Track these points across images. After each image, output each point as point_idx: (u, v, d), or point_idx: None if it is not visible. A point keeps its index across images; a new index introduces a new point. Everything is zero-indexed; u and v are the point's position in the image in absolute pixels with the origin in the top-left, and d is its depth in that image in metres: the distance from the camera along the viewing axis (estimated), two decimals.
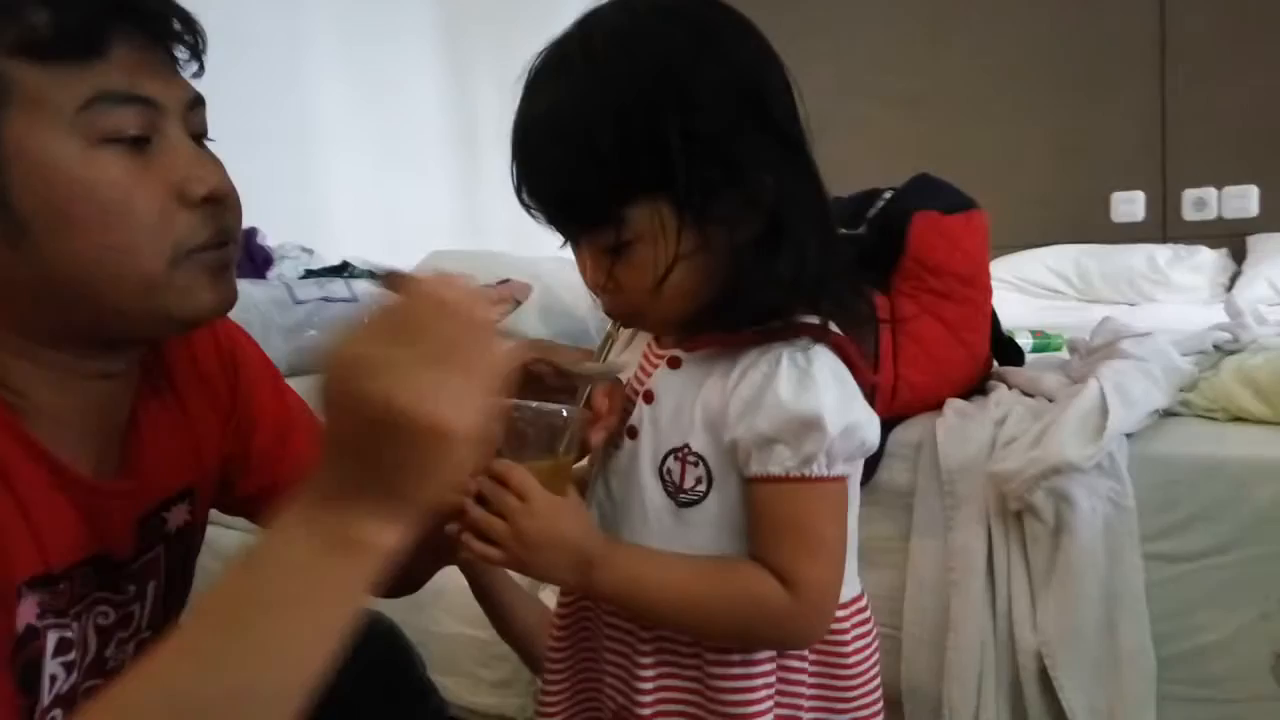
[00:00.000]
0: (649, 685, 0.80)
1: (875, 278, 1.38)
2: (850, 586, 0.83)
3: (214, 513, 1.09)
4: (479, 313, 0.57)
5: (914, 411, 1.38)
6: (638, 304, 0.78)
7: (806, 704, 0.80)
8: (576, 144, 0.72)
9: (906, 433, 1.36)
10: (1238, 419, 1.23)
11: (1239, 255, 2.96)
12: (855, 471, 0.80)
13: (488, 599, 1.16)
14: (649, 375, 0.84)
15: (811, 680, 0.81)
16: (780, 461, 0.73)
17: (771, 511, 0.75)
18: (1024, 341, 2.04)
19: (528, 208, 0.78)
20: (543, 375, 0.84)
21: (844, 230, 1.40)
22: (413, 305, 0.57)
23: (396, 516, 0.58)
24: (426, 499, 0.59)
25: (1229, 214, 3.08)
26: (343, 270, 2.41)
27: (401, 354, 0.54)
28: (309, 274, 2.36)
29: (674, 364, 0.82)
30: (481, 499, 0.74)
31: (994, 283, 3.18)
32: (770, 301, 0.76)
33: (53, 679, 0.78)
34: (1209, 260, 2.87)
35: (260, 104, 2.90)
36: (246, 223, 2.63)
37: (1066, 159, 3.32)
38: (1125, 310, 2.66)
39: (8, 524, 0.73)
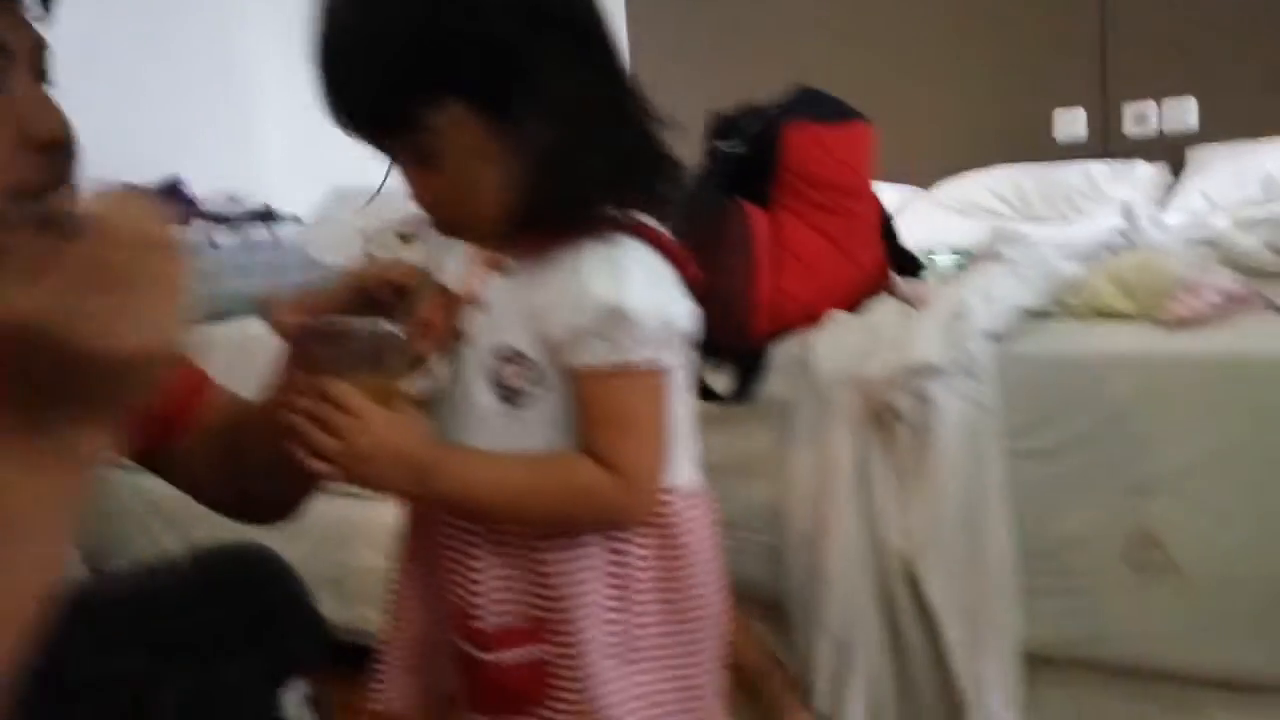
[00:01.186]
0: (481, 577, 0.82)
1: (754, 192, 1.38)
2: (685, 476, 0.85)
3: None
4: (145, 229, 0.56)
5: (798, 326, 1.38)
6: (456, 214, 0.79)
7: (644, 587, 0.82)
8: (370, 56, 0.73)
9: (789, 346, 1.36)
10: (1109, 317, 1.24)
11: (1179, 169, 2.94)
12: (676, 360, 0.81)
13: None
14: (476, 281, 0.85)
15: (647, 565, 0.82)
16: (595, 353, 0.76)
17: (591, 402, 0.78)
18: (946, 260, 2.04)
19: (341, 127, 0.78)
20: (378, 293, 0.86)
21: (721, 145, 1.39)
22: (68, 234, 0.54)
23: (65, 448, 0.56)
24: (96, 423, 0.57)
25: (1169, 127, 3.06)
26: (266, 216, 2.40)
27: (44, 283, 0.53)
28: (232, 221, 2.34)
29: (499, 269, 0.84)
30: (315, 418, 0.76)
31: (935, 207, 3.18)
32: (581, 199, 0.77)
33: None
34: (1146, 175, 2.85)
35: (190, 50, 2.86)
36: (172, 170, 2.59)
37: (1007, 78, 3.29)
38: (1062, 226, 2.65)
39: None
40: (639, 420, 0.78)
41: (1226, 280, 1.14)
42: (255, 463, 0.93)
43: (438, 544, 0.85)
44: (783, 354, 1.36)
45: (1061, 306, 1.28)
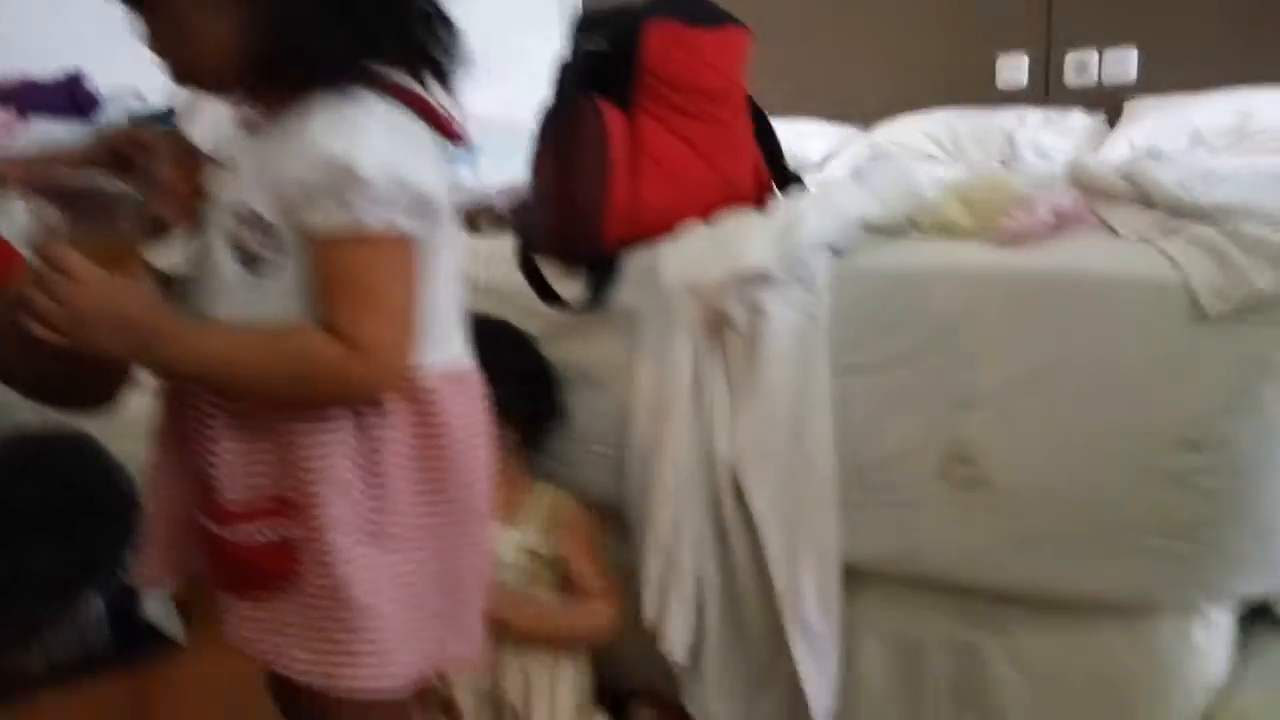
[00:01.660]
0: (222, 449, 0.80)
1: (615, 93, 1.34)
2: (448, 354, 0.83)
3: None
4: None
5: (655, 234, 1.35)
6: (185, 62, 0.78)
7: (396, 468, 0.79)
8: None
9: (641, 256, 1.33)
10: (954, 236, 1.21)
11: (1116, 120, 2.91)
12: (425, 228, 0.77)
13: None
14: (223, 140, 0.82)
15: (400, 445, 0.80)
16: (327, 214, 0.73)
17: (324, 267, 0.74)
18: None
19: None
20: (126, 152, 0.83)
21: (582, 41, 1.35)
22: None
23: None
24: None
25: (1108, 78, 3.02)
26: (166, 117, 2.33)
27: None
28: (132, 120, 2.28)
29: (245, 126, 0.81)
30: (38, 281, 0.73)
31: (867, 148, 3.13)
32: (314, 52, 0.75)
33: None
34: (1079, 124, 2.82)
35: None
36: (78, 64, 2.52)
37: (952, 21, 3.24)
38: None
39: None
40: (376, 289, 0.74)
41: (1063, 198, 1.12)
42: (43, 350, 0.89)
43: (186, 416, 0.83)
44: (635, 263, 1.33)
45: (914, 226, 1.26)
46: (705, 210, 1.37)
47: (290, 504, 0.79)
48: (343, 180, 0.71)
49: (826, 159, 3.01)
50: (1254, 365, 0.96)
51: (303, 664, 0.80)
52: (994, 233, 1.12)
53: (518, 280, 1.37)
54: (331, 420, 0.78)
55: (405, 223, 0.74)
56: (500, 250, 1.44)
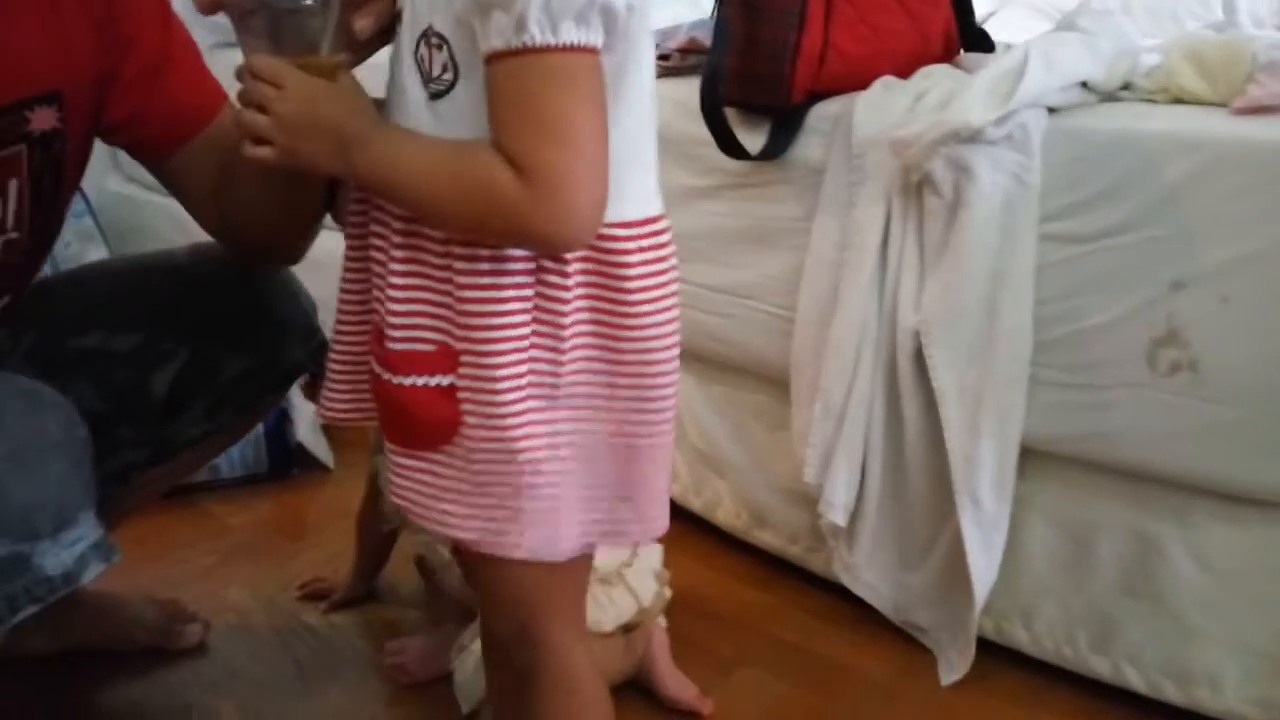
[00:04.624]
0: (399, 295, 0.75)
1: None
2: (640, 205, 0.75)
3: None
4: None
5: (846, 88, 1.28)
6: None
7: (569, 321, 0.74)
8: None
9: (829, 107, 1.27)
10: (1184, 103, 1.12)
11: None
12: (613, 40, 0.67)
13: None
14: None
15: (578, 298, 0.74)
16: (500, 32, 0.65)
17: (498, 90, 0.67)
18: None
19: None
20: None
21: None
22: None
23: None
24: None
25: None
26: None
27: None
28: None
29: None
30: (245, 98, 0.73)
31: (1029, 14, 2.93)
32: None
33: None
34: None
35: None
36: None
37: None
38: None
39: None
40: (552, 114, 0.66)
41: None
42: (242, 188, 0.89)
43: (370, 258, 0.79)
44: (822, 114, 1.27)
45: (1134, 90, 1.17)
46: (899, 62, 1.30)
47: (458, 354, 0.74)
48: None
49: (983, 20, 2.83)
50: None
51: (467, 526, 0.76)
52: (1236, 100, 1.02)
53: (688, 128, 1.32)
54: (509, 270, 0.72)
55: (578, 34, 0.65)
56: (667, 94, 1.38)
